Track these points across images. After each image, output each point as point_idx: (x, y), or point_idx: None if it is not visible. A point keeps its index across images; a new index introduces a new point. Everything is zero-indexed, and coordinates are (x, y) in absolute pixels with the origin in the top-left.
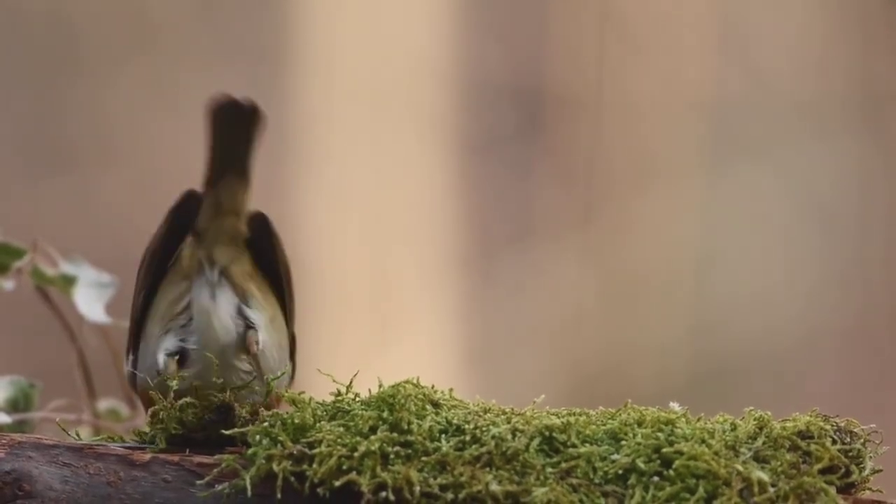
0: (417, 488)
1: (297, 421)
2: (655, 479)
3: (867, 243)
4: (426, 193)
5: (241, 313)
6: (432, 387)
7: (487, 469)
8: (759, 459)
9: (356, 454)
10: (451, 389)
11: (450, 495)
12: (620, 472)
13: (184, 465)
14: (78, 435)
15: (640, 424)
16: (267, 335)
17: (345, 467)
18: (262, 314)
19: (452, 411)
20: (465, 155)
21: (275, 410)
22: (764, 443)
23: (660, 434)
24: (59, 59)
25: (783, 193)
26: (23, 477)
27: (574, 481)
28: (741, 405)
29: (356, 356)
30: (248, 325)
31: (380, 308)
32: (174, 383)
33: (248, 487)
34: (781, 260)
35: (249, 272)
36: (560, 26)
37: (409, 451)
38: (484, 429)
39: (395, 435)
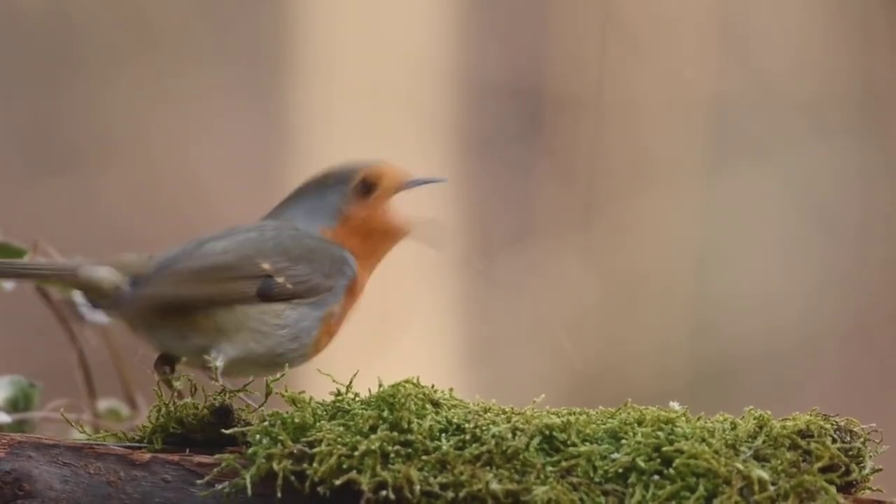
0: (418, 487)
1: (297, 420)
2: (656, 477)
3: (868, 243)
4: (426, 193)
5: None
6: (432, 386)
7: (488, 468)
8: (760, 458)
9: (356, 453)
10: (451, 389)
11: (450, 494)
12: (621, 470)
13: (184, 465)
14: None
15: (640, 423)
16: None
17: (345, 466)
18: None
19: (452, 411)
20: (465, 155)
21: (275, 410)
22: (764, 441)
23: (660, 433)
24: (58, 59)
25: (783, 193)
26: (23, 477)
27: (574, 480)
28: (741, 405)
29: (356, 356)
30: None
31: (380, 308)
32: (178, 384)
33: (249, 487)
34: (781, 260)
35: None
36: (560, 26)
37: (410, 450)
38: (484, 428)
39: (395, 434)
